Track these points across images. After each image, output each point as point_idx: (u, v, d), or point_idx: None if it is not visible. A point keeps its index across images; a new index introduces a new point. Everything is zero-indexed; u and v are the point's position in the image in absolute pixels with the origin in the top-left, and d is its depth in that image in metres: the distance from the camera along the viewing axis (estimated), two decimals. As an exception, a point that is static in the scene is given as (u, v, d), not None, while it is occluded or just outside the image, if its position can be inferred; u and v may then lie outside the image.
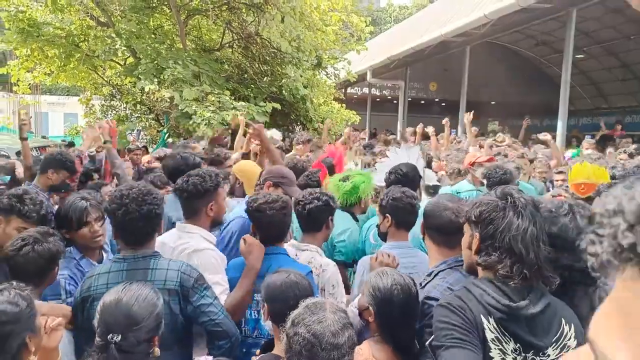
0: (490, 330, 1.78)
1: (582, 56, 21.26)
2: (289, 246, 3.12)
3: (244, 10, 10.76)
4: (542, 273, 1.82)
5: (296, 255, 3.05)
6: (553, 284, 1.84)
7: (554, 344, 1.79)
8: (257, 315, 2.73)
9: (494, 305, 1.79)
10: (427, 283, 2.33)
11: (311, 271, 2.81)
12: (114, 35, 10.66)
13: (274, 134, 7.42)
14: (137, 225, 2.46)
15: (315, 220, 3.10)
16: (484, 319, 1.78)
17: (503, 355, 1.78)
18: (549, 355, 1.77)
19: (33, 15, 11.55)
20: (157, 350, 2.02)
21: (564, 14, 12.64)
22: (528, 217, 1.85)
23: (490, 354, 1.77)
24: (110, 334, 1.88)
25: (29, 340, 1.93)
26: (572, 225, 2.01)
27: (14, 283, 2.03)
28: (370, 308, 2.22)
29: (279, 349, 2.16)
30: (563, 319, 1.83)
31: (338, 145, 7.49)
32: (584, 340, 1.71)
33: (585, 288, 1.99)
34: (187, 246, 2.89)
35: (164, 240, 2.95)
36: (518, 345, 1.78)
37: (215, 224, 3.16)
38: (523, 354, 1.77)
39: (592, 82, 24.70)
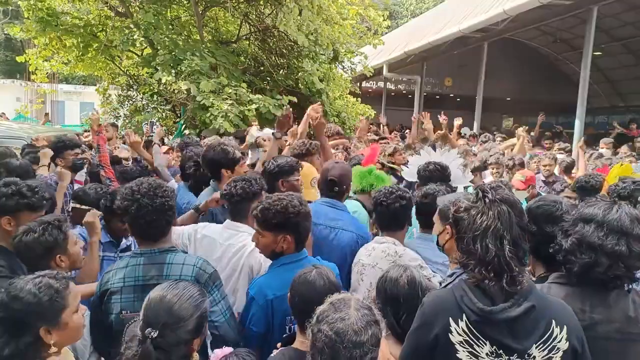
0: (457, 333, 1.79)
1: (599, 53, 21.02)
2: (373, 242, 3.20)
3: (261, 2, 10.72)
4: (508, 273, 1.77)
5: (373, 248, 3.12)
6: (519, 284, 1.78)
7: (541, 345, 1.76)
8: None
9: (470, 307, 1.79)
10: (448, 284, 2.30)
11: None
12: (132, 25, 10.68)
13: (261, 132, 6.11)
14: (151, 219, 2.49)
15: (398, 218, 3.18)
16: (452, 322, 1.81)
17: (474, 358, 1.78)
18: (534, 357, 1.76)
19: (52, 4, 11.58)
20: (196, 356, 2.02)
21: (584, 11, 12.52)
22: (493, 215, 1.80)
23: (458, 355, 1.80)
24: (149, 329, 1.89)
25: (45, 333, 1.96)
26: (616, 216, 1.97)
27: (49, 272, 2.07)
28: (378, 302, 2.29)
29: (299, 342, 2.21)
30: (554, 321, 1.79)
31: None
32: (580, 340, 1.79)
33: (620, 290, 1.98)
34: (244, 243, 2.97)
35: (213, 236, 3.06)
36: (494, 348, 1.77)
37: None
38: (504, 357, 1.76)
39: (608, 79, 24.42)
